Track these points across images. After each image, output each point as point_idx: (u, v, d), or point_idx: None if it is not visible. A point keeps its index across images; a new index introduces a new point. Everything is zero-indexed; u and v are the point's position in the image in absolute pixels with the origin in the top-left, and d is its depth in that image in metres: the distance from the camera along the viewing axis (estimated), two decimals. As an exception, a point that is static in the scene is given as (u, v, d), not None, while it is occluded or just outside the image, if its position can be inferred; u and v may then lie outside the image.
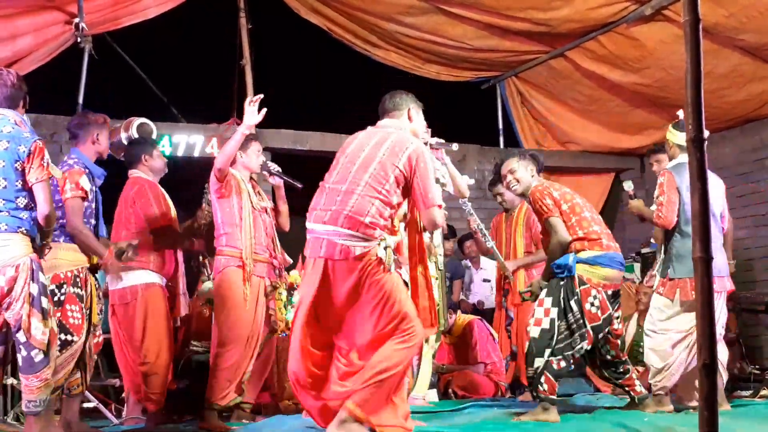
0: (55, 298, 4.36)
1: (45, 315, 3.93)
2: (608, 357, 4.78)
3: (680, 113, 5.30)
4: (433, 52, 8.17)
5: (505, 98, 9.21)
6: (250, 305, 4.98)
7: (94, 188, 4.63)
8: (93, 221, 4.63)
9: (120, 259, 4.65)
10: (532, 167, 4.84)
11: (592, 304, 4.54)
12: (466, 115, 8.95)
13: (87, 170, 4.60)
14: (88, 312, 4.52)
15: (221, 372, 4.90)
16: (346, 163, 3.92)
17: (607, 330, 4.67)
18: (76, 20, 6.25)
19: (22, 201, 3.96)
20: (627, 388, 4.85)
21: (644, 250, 8.11)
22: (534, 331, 4.54)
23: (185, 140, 7.52)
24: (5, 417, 5.13)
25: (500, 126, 9.29)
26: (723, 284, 4.95)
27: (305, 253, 3.92)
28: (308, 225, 3.90)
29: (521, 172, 4.81)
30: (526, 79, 8.91)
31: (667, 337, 4.86)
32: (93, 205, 4.63)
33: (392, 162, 3.84)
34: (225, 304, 4.97)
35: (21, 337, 3.92)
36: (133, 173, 5.25)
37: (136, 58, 7.58)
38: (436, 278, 5.16)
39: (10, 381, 5.31)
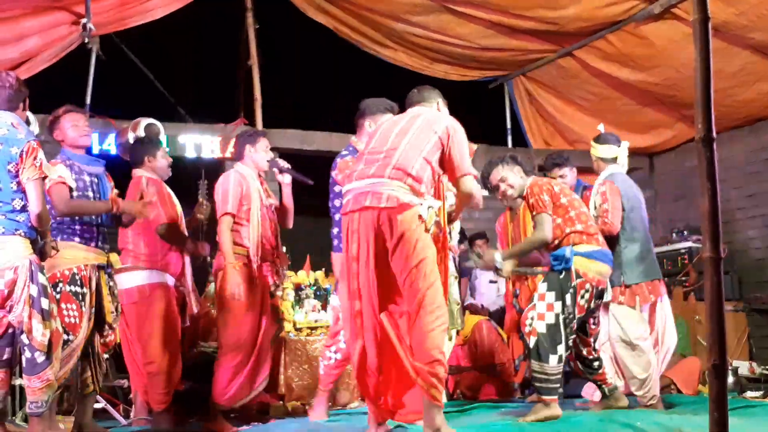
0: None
1: (45, 316, 3.93)
2: (584, 352, 4.79)
3: (601, 126, 5.46)
4: (441, 52, 8.15)
5: (513, 97, 9.19)
6: (254, 305, 4.96)
7: (74, 176, 4.51)
8: None
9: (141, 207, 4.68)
10: (519, 168, 4.84)
11: (582, 297, 4.56)
12: (473, 114, 8.92)
13: (68, 162, 4.54)
14: (93, 310, 4.50)
15: (225, 372, 4.88)
16: (383, 134, 3.95)
17: (583, 325, 4.70)
18: (84, 21, 6.25)
19: (18, 203, 3.94)
20: (599, 383, 4.86)
21: (654, 250, 8.07)
22: (540, 327, 4.49)
23: (192, 140, 7.53)
24: (13, 417, 5.14)
25: (508, 125, 9.27)
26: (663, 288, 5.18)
27: (345, 210, 3.83)
28: (348, 186, 3.86)
29: (512, 177, 4.80)
30: (534, 78, 8.89)
31: (645, 345, 4.95)
32: (90, 195, 4.58)
33: (430, 128, 3.89)
34: (228, 303, 4.93)
35: (24, 338, 3.92)
36: (137, 173, 5.24)
37: (143, 59, 7.60)
38: (456, 277, 5.17)
39: (18, 382, 5.33)
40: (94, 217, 4.57)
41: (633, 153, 9.20)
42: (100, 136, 7.00)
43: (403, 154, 3.79)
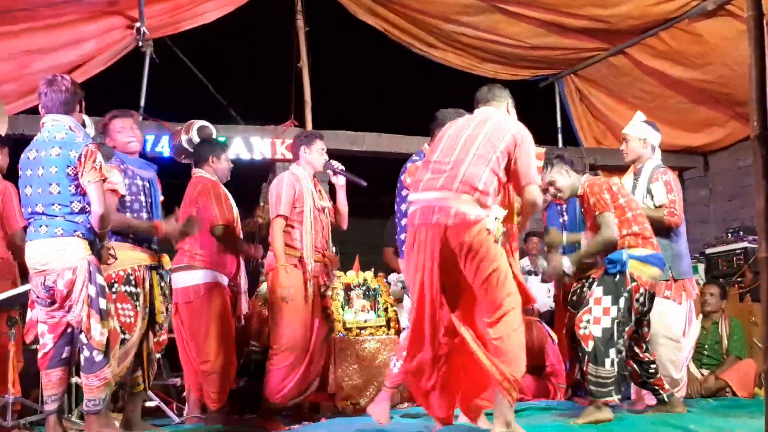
0: None
1: (104, 316, 4.01)
2: (640, 356, 4.72)
3: (640, 113, 5.38)
4: (491, 51, 8.13)
5: (564, 96, 9.12)
6: (306, 305, 4.99)
7: (128, 180, 4.58)
8: (144, 215, 4.64)
9: (183, 228, 4.72)
10: (567, 167, 4.77)
11: (638, 301, 4.50)
12: (524, 113, 8.85)
13: (122, 166, 4.60)
14: (147, 310, 4.57)
15: (278, 372, 4.93)
16: (450, 142, 3.91)
17: (638, 329, 4.63)
18: (138, 25, 6.38)
19: (76, 205, 4.03)
20: (657, 388, 4.77)
21: (708, 251, 7.94)
22: (596, 330, 4.43)
23: (244, 142, 7.62)
24: (69, 415, 5.25)
25: (559, 124, 9.19)
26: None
27: (413, 221, 3.83)
28: (415, 196, 3.86)
29: (560, 179, 4.74)
30: (585, 77, 8.81)
31: (685, 344, 4.90)
32: (142, 199, 4.64)
33: (498, 136, 3.83)
34: (279, 304, 4.98)
35: (82, 338, 4.01)
36: (196, 172, 5.32)
37: (195, 61, 7.70)
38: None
39: (75, 380, 5.45)
40: (146, 219, 4.62)
41: (686, 152, 9.17)
42: (154, 138, 7.14)
43: (470, 166, 3.75)
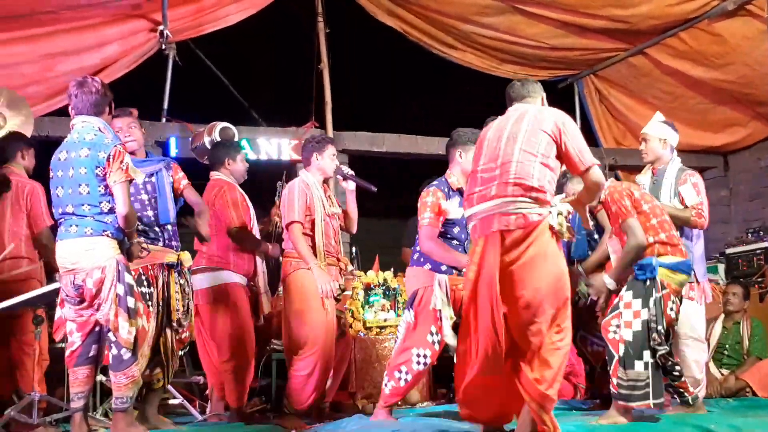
0: None
1: (131, 314, 4.06)
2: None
3: (659, 114, 5.37)
4: (510, 52, 8.14)
5: (583, 97, 9.11)
6: (325, 309, 4.99)
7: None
8: (149, 212, 4.65)
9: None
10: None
11: (670, 308, 4.48)
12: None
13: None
14: (162, 309, 4.60)
15: (300, 378, 4.94)
16: (492, 145, 3.80)
17: (667, 333, 4.59)
18: (161, 28, 6.43)
19: (105, 205, 4.09)
20: (681, 390, 4.74)
21: (728, 251, 7.91)
22: (626, 334, 4.41)
23: (265, 144, 7.68)
24: (94, 413, 5.31)
25: (578, 125, 9.17)
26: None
27: (473, 236, 3.76)
28: (471, 211, 3.78)
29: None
30: (605, 77, 8.80)
31: (705, 346, 4.94)
32: (143, 197, 4.64)
33: (539, 128, 3.72)
34: (298, 307, 5.01)
35: (111, 336, 4.08)
36: (214, 175, 5.37)
37: (217, 63, 7.77)
38: None
39: (99, 378, 5.52)
40: (152, 217, 4.64)
41: (707, 152, 9.13)
42: (177, 140, 7.21)
43: (518, 164, 3.66)
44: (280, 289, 6.12)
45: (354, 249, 7.24)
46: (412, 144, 8.44)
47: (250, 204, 5.39)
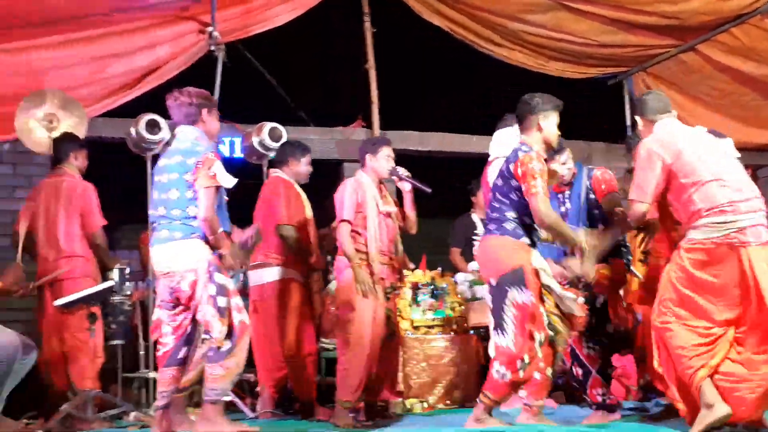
0: None
1: (222, 313, 4.15)
2: None
3: None
4: (558, 49, 8.07)
5: (633, 94, 8.98)
6: (374, 306, 5.05)
7: None
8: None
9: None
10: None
11: None
12: (591, 112, 8.80)
13: None
14: None
15: (348, 372, 4.98)
16: (705, 155, 4.22)
17: None
18: (210, 29, 6.48)
19: (192, 210, 4.20)
20: None
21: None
22: None
23: (313, 143, 7.71)
24: (146, 409, 5.41)
25: (628, 122, 9.07)
26: None
27: (742, 241, 3.97)
28: (738, 216, 4.00)
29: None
30: (655, 74, 8.67)
31: None
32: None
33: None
34: (346, 303, 5.06)
35: (206, 334, 4.20)
36: (273, 172, 5.44)
37: (264, 64, 7.83)
38: None
39: (152, 375, 5.62)
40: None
41: (760, 149, 8.95)
42: (230, 140, 7.30)
43: (744, 177, 4.17)
44: (328, 287, 6.18)
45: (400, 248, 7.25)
46: (459, 143, 8.42)
47: (306, 204, 5.43)
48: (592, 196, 5.00)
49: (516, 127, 4.68)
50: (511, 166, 4.35)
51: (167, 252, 4.22)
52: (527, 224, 4.34)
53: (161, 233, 4.25)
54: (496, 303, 4.28)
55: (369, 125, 7.92)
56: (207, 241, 4.21)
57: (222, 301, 4.15)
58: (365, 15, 7.93)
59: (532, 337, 4.17)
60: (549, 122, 4.49)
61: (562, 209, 5.07)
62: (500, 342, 4.23)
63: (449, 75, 9.18)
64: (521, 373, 4.16)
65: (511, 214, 4.33)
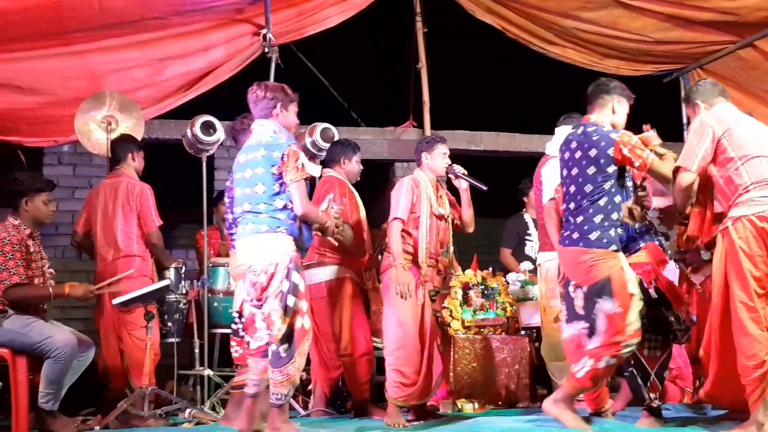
0: None
1: (287, 312, 4.17)
2: None
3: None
4: (612, 47, 7.97)
5: (689, 91, 8.84)
6: (418, 308, 5.05)
7: None
8: None
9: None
10: None
11: None
12: (647, 109, 8.66)
13: None
14: None
15: (397, 372, 5.00)
16: (755, 134, 4.26)
17: None
18: (264, 32, 6.55)
19: (279, 203, 4.26)
20: None
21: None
22: None
23: (364, 144, 7.75)
24: (202, 406, 5.50)
25: (684, 120, 8.92)
26: None
27: None
28: None
29: None
30: (712, 71, 8.49)
31: None
32: None
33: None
34: (391, 302, 5.07)
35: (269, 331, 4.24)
36: (326, 172, 5.49)
37: (316, 65, 7.89)
38: None
39: (207, 372, 5.71)
40: None
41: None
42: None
43: None
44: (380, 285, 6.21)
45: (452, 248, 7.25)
46: (510, 142, 8.39)
47: (360, 203, 5.46)
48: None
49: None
50: (610, 151, 4.26)
51: (252, 245, 4.25)
52: (613, 222, 4.30)
53: (247, 227, 4.28)
54: (587, 309, 4.32)
55: (420, 125, 7.93)
56: (293, 237, 4.28)
57: (290, 300, 4.19)
58: (417, 15, 7.94)
59: (618, 344, 4.20)
60: (622, 108, 4.52)
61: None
62: (589, 345, 4.28)
63: (501, 74, 9.12)
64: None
65: (598, 218, 4.28)
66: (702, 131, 4.28)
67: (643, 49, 7.94)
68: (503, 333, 6.14)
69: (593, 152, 4.29)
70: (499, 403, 5.90)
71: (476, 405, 5.81)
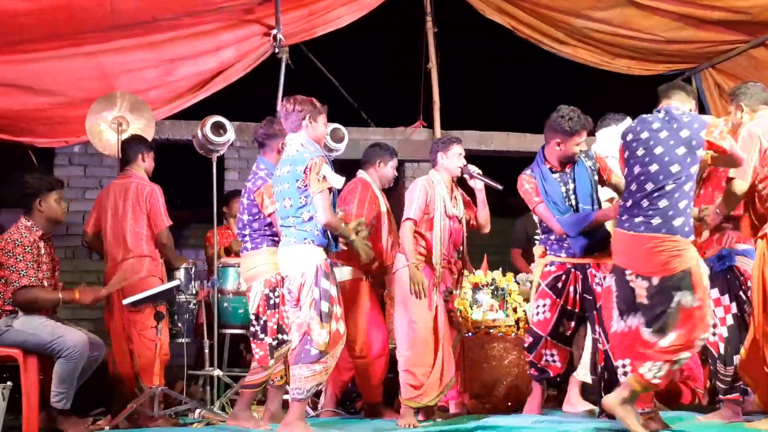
0: (271, 302, 4.73)
1: (323, 318, 4.32)
2: None
3: None
4: (624, 46, 7.95)
5: (701, 91, 8.77)
6: (431, 309, 5.05)
7: None
8: None
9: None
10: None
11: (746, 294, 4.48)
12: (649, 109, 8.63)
13: None
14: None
15: (409, 373, 5.00)
16: None
17: None
18: (274, 32, 6.56)
19: (306, 215, 4.39)
20: None
21: None
22: (723, 332, 4.46)
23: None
24: (211, 406, 5.50)
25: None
26: None
27: None
28: None
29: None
30: (724, 71, 8.46)
31: None
32: None
33: None
34: (402, 303, 5.08)
35: (305, 336, 4.34)
36: (359, 173, 5.54)
37: (326, 65, 7.89)
38: None
39: (216, 372, 5.72)
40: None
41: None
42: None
43: None
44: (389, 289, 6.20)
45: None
46: (520, 142, 8.37)
47: (383, 206, 5.46)
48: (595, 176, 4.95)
49: (619, 125, 5.05)
50: (702, 134, 4.12)
51: (285, 256, 4.47)
52: (691, 210, 4.20)
53: (283, 239, 4.50)
54: (658, 301, 4.10)
55: (430, 125, 7.92)
56: (323, 246, 4.40)
57: (324, 306, 4.32)
58: (427, 15, 7.93)
59: (695, 340, 4.07)
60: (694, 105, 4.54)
61: (564, 189, 4.99)
62: (662, 343, 4.06)
63: (511, 74, 9.11)
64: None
65: (683, 203, 4.10)
66: (751, 142, 4.34)
67: (655, 48, 7.92)
68: (513, 334, 6.12)
69: (685, 133, 4.12)
70: (509, 403, 5.88)
71: (486, 405, 5.80)
